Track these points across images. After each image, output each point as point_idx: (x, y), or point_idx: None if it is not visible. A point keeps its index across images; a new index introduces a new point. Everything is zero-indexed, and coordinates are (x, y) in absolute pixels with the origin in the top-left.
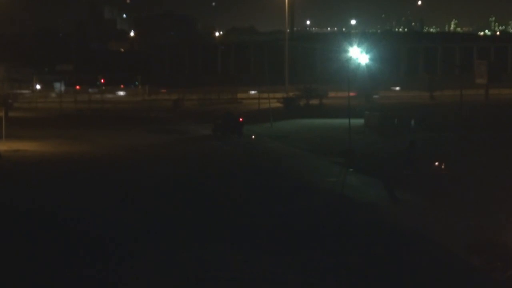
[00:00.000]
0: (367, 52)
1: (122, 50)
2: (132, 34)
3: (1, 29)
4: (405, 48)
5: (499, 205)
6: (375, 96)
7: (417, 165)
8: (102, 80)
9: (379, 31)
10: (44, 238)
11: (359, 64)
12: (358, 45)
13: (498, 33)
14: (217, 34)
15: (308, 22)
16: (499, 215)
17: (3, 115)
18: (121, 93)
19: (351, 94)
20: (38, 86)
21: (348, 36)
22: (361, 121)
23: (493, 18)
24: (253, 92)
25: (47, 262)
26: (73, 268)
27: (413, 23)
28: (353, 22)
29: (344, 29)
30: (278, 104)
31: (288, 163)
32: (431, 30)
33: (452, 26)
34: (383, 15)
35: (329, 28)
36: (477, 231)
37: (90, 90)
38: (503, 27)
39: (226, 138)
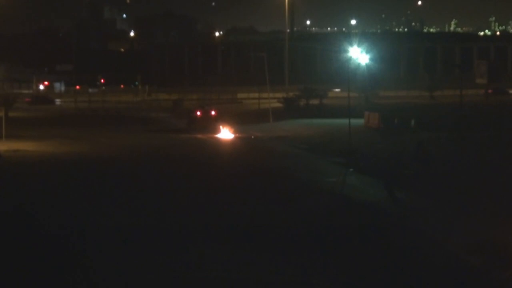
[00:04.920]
0: (367, 52)
1: (122, 50)
2: (132, 34)
3: (1, 29)
4: (405, 48)
5: (497, 204)
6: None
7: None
8: (102, 80)
9: (379, 31)
10: (42, 238)
11: (359, 64)
12: (358, 45)
13: (498, 33)
14: (217, 34)
15: (308, 22)
16: (498, 214)
17: (3, 115)
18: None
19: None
20: (41, 87)
21: (348, 36)
22: (361, 121)
23: (493, 18)
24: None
25: (47, 263)
26: (75, 267)
27: (413, 23)
28: (353, 22)
29: (344, 29)
30: (278, 104)
31: (288, 162)
32: (431, 30)
33: (452, 26)
34: (383, 15)
35: (329, 28)
36: (477, 230)
37: (90, 90)
38: (503, 27)
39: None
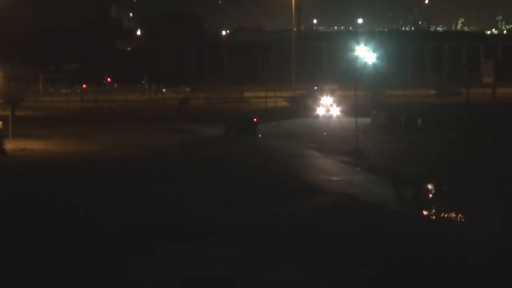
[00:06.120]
0: (374, 51)
1: (129, 49)
2: (138, 33)
3: (7, 28)
4: (412, 47)
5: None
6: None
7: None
8: (108, 79)
9: (386, 30)
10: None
11: (366, 63)
12: (365, 44)
13: (505, 32)
14: (223, 33)
15: (315, 21)
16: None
17: (9, 114)
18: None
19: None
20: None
21: (355, 35)
22: (368, 120)
23: (500, 17)
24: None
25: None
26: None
27: (420, 22)
28: (360, 21)
29: (351, 28)
30: (285, 103)
31: (294, 162)
32: (438, 29)
33: (459, 25)
34: (390, 14)
35: (336, 27)
36: (483, 231)
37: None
38: (510, 26)
39: (239, 139)
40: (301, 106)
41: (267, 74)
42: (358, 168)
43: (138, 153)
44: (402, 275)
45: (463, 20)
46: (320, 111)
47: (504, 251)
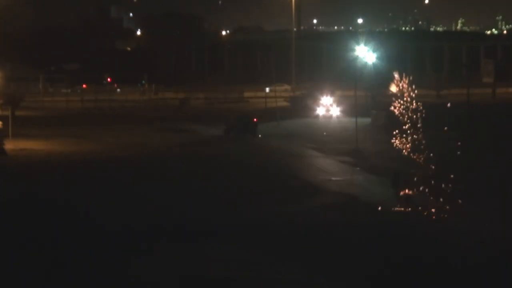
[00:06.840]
0: (374, 51)
1: (129, 49)
2: (138, 33)
3: (7, 28)
4: (412, 47)
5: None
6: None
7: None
8: (108, 79)
9: (386, 29)
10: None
11: (366, 63)
12: (365, 44)
13: (505, 32)
14: (223, 33)
15: (315, 21)
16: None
17: (9, 114)
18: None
19: None
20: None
21: (355, 35)
22: (368, 120)
23: (500, 17)
24: None
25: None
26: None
27: (420, 22)
28: (360, 21)
29: (351, 28)
30: (285, 103)
31: (294, 162)
32: (438, 29)
33: (459, 25)
34: (390, 14)
35: (336, 27)
36: (483, 231)
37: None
38: (510, 26)
39: (239, 139)
40: (301, 106)
41: (267, 74)
42: (358, 168)
43: (138, 153)
44: (402, 275)
45: (463, 20)
46: (320, 111)
47: (504, 251)
